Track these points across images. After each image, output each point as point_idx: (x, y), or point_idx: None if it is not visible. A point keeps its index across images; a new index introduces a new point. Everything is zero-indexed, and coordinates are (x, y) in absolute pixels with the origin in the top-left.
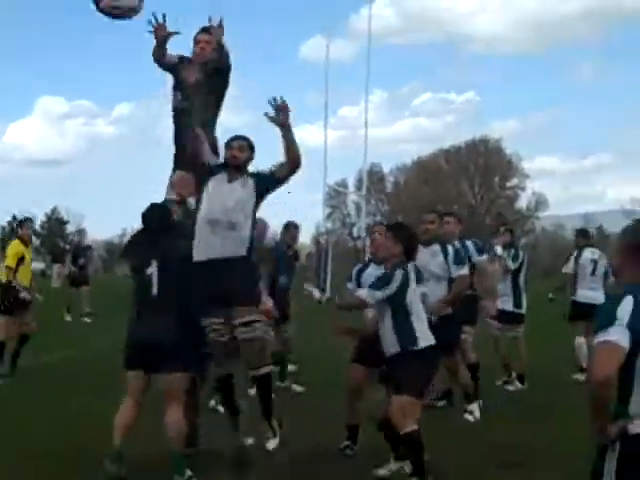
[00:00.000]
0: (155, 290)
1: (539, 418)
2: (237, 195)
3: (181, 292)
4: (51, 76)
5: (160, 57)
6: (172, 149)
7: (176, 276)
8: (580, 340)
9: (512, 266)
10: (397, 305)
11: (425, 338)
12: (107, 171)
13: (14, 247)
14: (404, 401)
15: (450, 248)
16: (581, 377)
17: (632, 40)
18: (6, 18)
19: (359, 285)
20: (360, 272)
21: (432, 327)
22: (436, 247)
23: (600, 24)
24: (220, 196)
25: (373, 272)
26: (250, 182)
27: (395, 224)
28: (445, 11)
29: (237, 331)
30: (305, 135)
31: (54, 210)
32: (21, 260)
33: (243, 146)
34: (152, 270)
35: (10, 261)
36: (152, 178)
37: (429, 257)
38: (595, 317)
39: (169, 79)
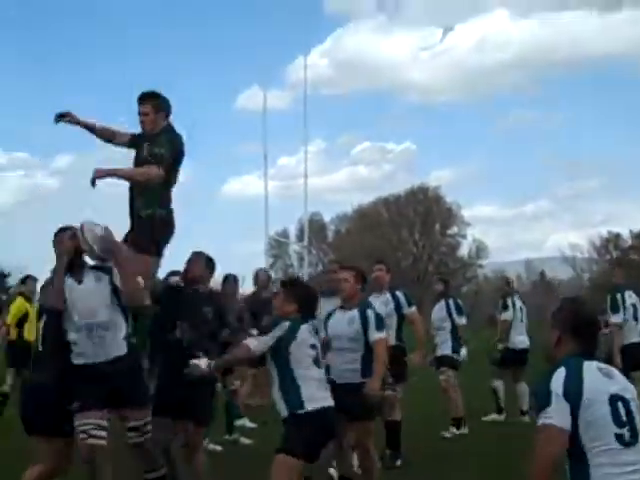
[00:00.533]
0: (40, 345)
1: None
2: (96, 293)
3: (60, 349)
4: None
5: (109, 139)
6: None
7: (55, 331)
8: (497, 382)
9: (464, 321)
10: (280, 360)
11: (313, 400)
12: (49, 222)
13: (18, 305)
14: (279, 460)
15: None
16: (498, 417)
17: (566, 87)
18: None
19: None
20: (327, 320)
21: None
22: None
23: (534, 72)
24: (80, 300)
25: (339, 318)
26: (103, 276)
27: (289, 281)
28: (381, 61)
29: (127, 435)
30: (244, 186)
31: None
32: (25, 316)
33: (72, 235)
34: (42, 323)
35: (13, 319)
36: None
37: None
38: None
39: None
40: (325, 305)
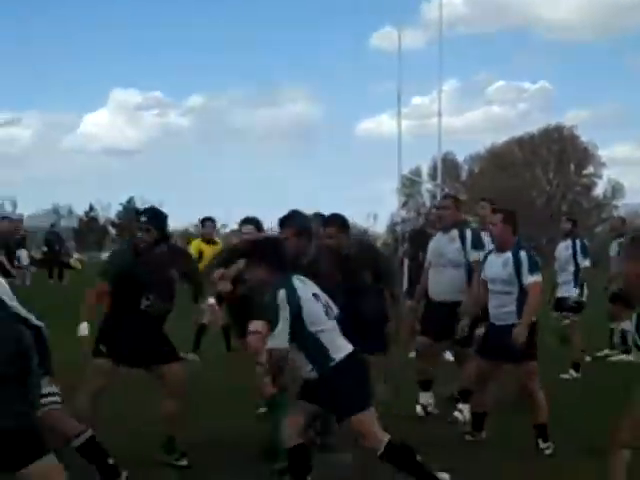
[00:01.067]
0: None
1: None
2: None
3: None
4: (124, 67)
5: None
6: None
7: None
8: (624, 324)
9: (588, 263)
10: (296, 328)
11: (337, 349)
12: (181, 161)
13: (195, 244)
14: (357, 422)
15: (468, 232)
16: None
17: None
18: (85, 14)
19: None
20: (483, 262)
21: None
22: (454, 233)
23: None
24: None
25: (494, 261)
26: None
27: (245, 247)
28: None
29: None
30: (377, 125)
31: (130, 200)
32: (200, 256)
33: None
34: None
35: None
36: (226, 168)
37: (447, 243)
38: None
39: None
40: (441, 239)
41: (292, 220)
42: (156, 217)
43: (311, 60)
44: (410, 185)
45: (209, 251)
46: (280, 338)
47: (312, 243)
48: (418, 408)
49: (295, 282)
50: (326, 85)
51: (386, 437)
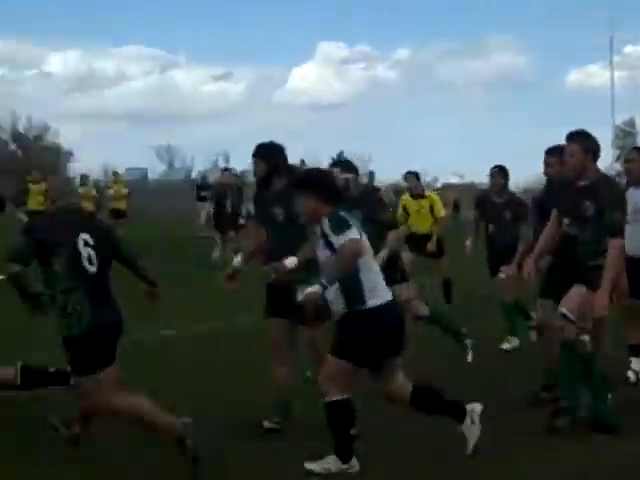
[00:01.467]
0: None
1: None
2: None
3: None
4: (331, 20)
5: None
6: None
7: None
8: None
9: None
10: None
11: (375, 296)
12: (389, 115)
13: (402, 200)
14: (332, 364)
15: None
16: None
17: None
18: None
19: None
20: None
21: None
22: None
23: None
24: None
25: None
26: None
27: (294, 182)
28: None
29: None
30: (587, 76)
31: (340, 154)
32: (404, 211)
33: None
34: None
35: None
36: (433, 121)
37: None
38: None
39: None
40: (634, 193)
41: (580, 136)
42: (263, 150)
43: (518, 9)
44: (624, 137)
45: (413, 206)
46: (354, 230)
47: (593, 167)
48: (630, 374)
49: (346, 214)
50: (533, 35)
51: (337, 397)
